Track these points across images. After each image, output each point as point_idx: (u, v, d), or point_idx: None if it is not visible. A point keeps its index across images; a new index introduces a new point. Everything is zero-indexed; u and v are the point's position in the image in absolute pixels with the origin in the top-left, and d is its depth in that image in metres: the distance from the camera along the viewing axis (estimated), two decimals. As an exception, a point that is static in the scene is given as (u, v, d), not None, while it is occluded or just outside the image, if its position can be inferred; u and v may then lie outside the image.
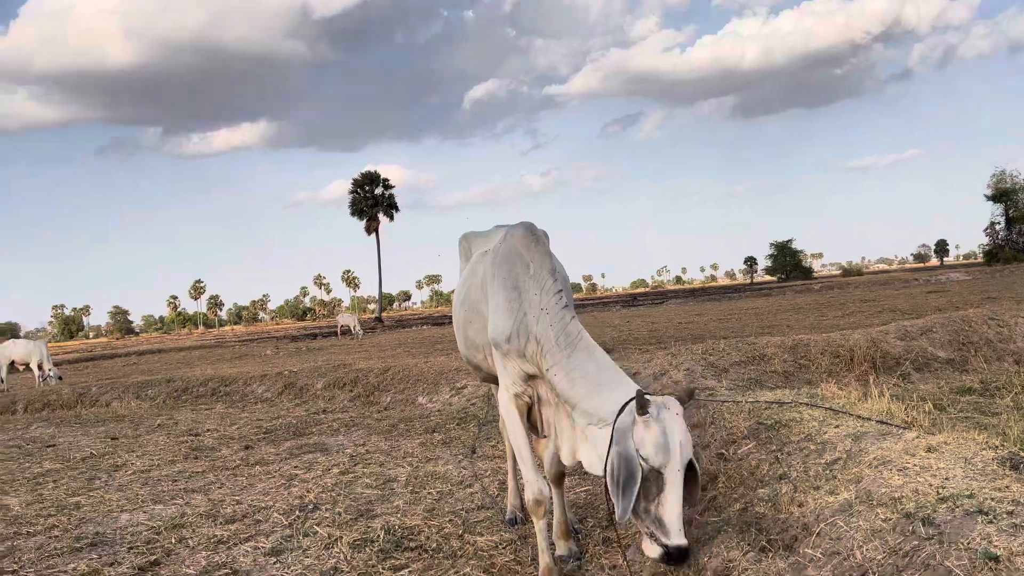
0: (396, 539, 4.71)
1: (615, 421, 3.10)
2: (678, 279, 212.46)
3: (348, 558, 4.41)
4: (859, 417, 4.05)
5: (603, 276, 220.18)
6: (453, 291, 5.25)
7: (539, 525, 3.79)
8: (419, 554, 4.46)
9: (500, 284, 3.75)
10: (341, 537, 4.74)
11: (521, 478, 4.18)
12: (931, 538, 2.43)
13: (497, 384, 4.51)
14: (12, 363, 17.92)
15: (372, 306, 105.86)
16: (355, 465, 7.19)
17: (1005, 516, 2.43)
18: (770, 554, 3.10)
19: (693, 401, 3.28)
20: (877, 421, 3.91)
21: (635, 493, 2.97)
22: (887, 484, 2.94)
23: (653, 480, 3.00)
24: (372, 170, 67.19)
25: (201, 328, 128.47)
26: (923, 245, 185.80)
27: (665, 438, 2.96)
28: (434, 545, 4.58)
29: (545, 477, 4.10)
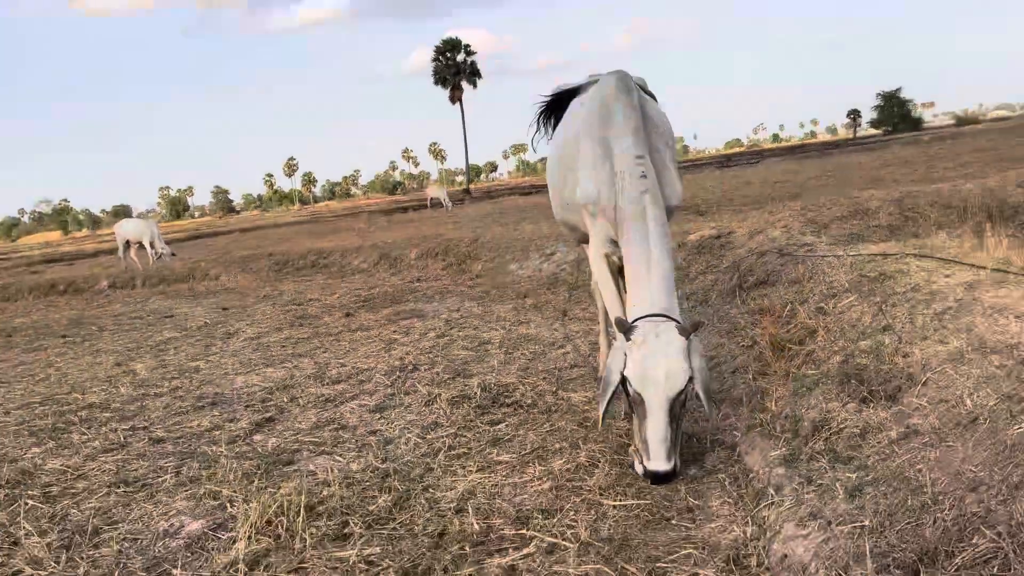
0: (492, 395, 4.86)
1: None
2: (775, 137, 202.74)
3: (448, 413, 4.59)
4: (972, 266, 3.82)
5: (695, 137, 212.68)
6: (544, 159, 5.14)
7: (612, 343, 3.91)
8: (515, 409, 4.60)
9: (588, 140, 3.64)
10: (440, 394, 4.93)
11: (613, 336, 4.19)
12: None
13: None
14: (127, 243, 18.97)
15: (460, 178, 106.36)
16: (450, 329, 7.39)
17: None
18: (871, 405, 3.03)
19: (697, 333, 3.07)
20: (993, 269, 3.67)
21: (606, 404, 3.09)
22: (1003, 331, 2.79)
23: (638, 404, 2.98)
24: (453, 36, 65.64)
25: (297, 205, 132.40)
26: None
27: (643, 367, 2.91)
28: (529, 401, 4.70)
29: None
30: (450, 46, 65.06)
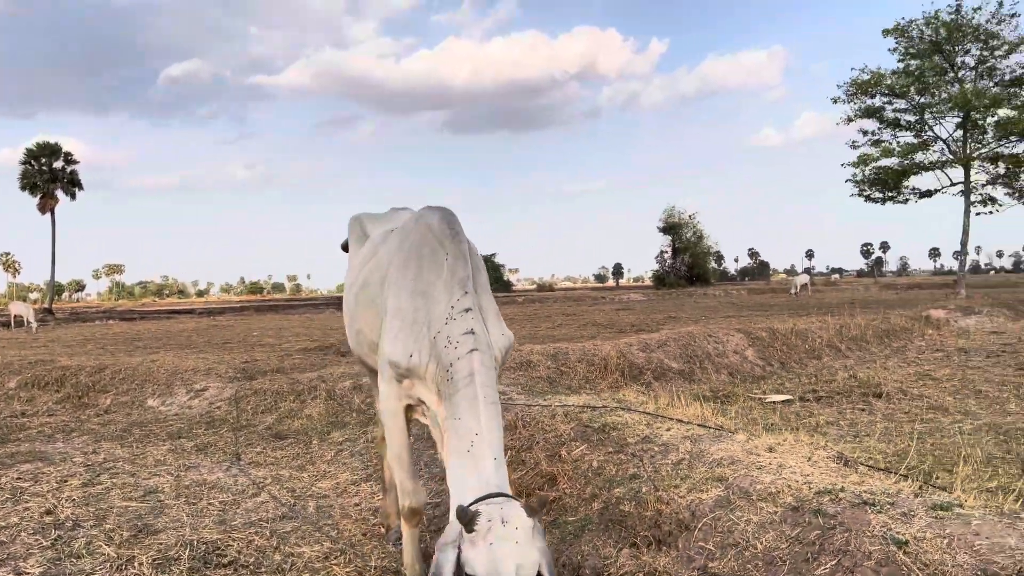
0: (201, 555, 4.16)
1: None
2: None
3: (153, 582, 3.81)
4: (680, 421, 4.42)
5: (308, 277, 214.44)
6: (345, 280, 4.69)
7: (412, 533, 3.57)
8: (235, 570, 4.00)
9: (402, 290, 3.23)
10: (135, 556, 4.09)
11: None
12: (834, 527, 2.75)
13: None
14: None
15: (35, 295, 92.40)
16: (98, 475, 6.22)
17: (888, 506, 2.83)
18: (645, 550, 3.26)
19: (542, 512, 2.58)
20: (699, 425, 4.29)
21: None
22: (758, 480, 3.26)
23: None
24: (50, 140, 58.83)
25: None
26: (603, 267, 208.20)
27: (491, 563, 2.41)
28: (252, 560, 4.12)
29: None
30: (47, 151, 58.10)
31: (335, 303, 59.47)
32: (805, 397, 8.61)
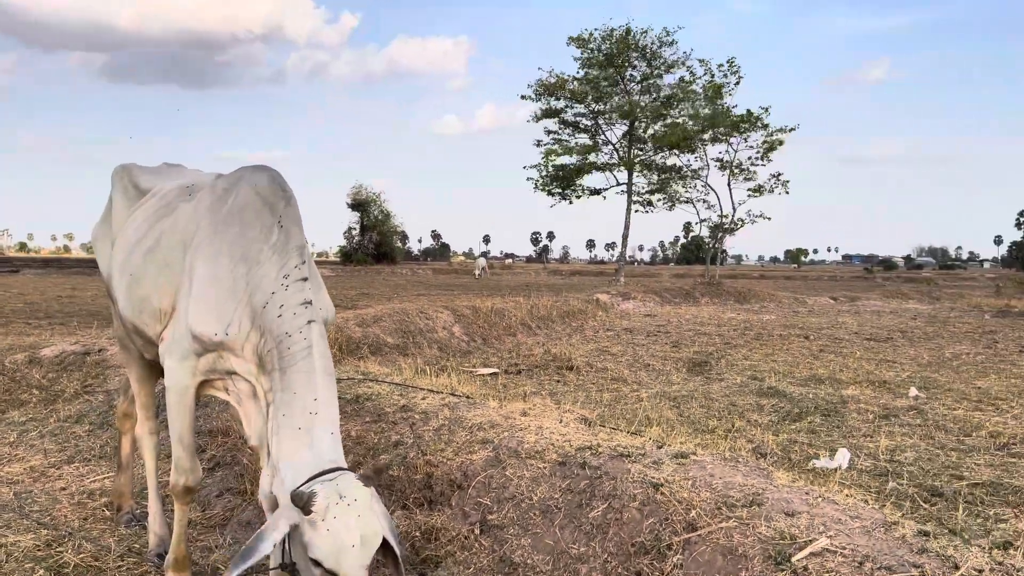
0: None
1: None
2: (23, 246, 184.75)
3: None
4: (431, 391, 4.65)
5: None
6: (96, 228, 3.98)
7: (183, 511, 3.28)
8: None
9: (223, 247, 2.94)
10: None
11: (170, 493, 3.31)
12: (600, 476, 3.15)
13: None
14: None
15: None
16: None
17: (641, 457, 3.30)
18: (417, 511, 3.44)
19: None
20: (450, 394, 4.56)
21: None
22: (524, 441, 3.59)
23: None
24: None
25: None
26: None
27: (335, 540, 2.34)
28: (-49, 557, 3.55)
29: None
30: None
31: (-37, 264, 50.16)
32: (509, 370, 9.35)
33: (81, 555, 3.61)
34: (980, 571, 2.27)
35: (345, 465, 2.58)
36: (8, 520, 4.09)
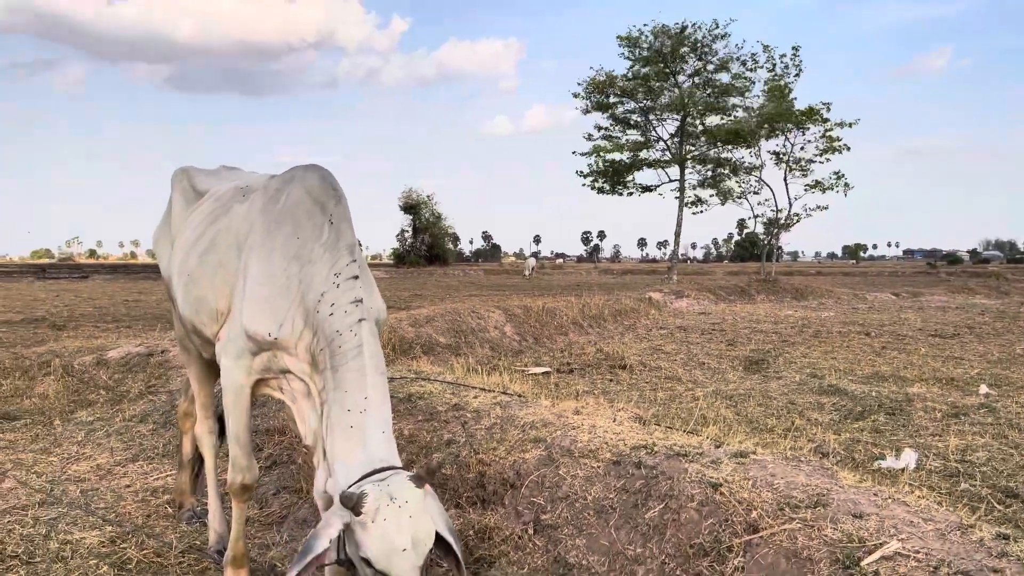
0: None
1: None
2: (92, 252, 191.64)
3: None
4: (483, 389, 4.63)
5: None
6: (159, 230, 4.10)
7: (241, 509, 3.31)
8: (4, 563, 3.52)
9: (276, 246, 2.95)
10: None
11: (228, 492, 3.36)
12: (656, 476, 3.08)
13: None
14: None
15: None
16: None
17: (698, 456, 3.22)
18: (470, 509, 3.41)
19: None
20: (502, 392, 4.53)
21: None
22: (577, 440, 3.54)
23: None
24: None
25: None
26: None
27: (386, 541, 2.31)
28: (22, 550, 3.65)
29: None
30: None
31: (32, 271, 52.35)
32: (561, 369, 9.29)
33: (144, 551, 3.69)
34: (1065, 577, 2.14)
35: (399, 464, 2.55)
36: (75, 517, 4.20)
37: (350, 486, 2.41)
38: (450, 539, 2.48)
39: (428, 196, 69.90)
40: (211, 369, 3.78)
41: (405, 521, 2.33)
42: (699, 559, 2.66)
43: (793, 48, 31.03)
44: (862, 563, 2.34)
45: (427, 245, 68.67)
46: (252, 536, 3.96)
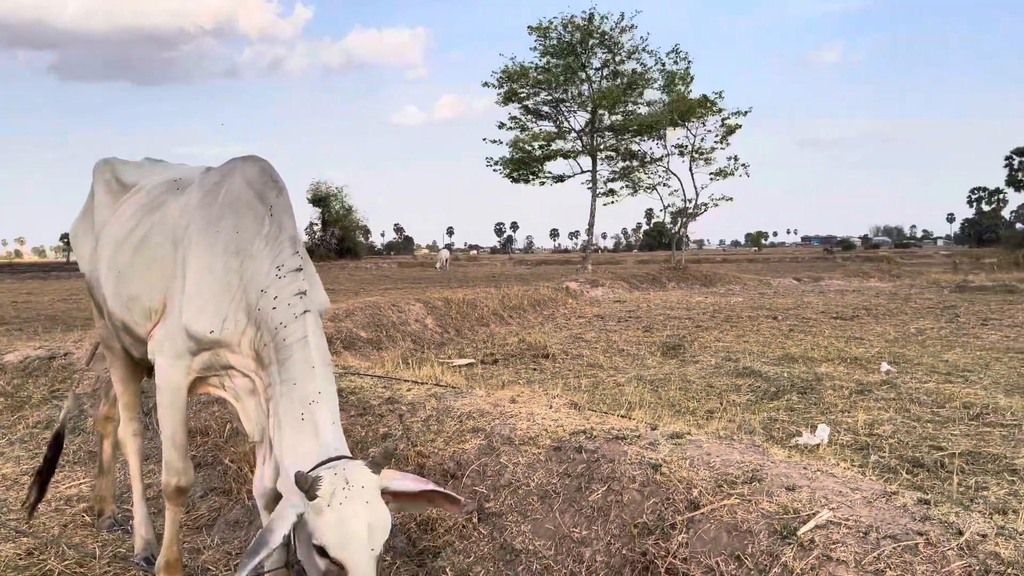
0: None
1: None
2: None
3: None
4: (415, 382, 4.60)
5: None
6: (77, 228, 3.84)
7: (176, 512, 3.18)
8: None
9: (216, 241, 2.85)
10: None
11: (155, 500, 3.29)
12: (598, 460, 3.13)
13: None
14: None
15: None
16: None
17: (636, 439, 3.29)
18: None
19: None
20: (435, 384, 4.52)
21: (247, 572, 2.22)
22: (516, 428, 3.56)
23: (336, 573, 2.29)
24: None
25: None
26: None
27: (342, 528, 2.24)
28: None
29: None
30: None
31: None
32: (485, 360, 9.32)
33: (66, 562, 3.51)
34: (984, 536, 2.30)
35: (348, 454, 2.51)
36: (-16, 530, 3.97)
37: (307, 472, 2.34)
38: (430, 485, 2.49)
39: (339, 188, 68.56)
40: (137, 368, 3.63)
41: (362, 506, 2.27)
42: (644, 537, 2.73)
43: (674, 47, 33.02)
44: (798, 532, 2.46)
45: (338, 238, 67.41)
46: (181, 540, 3.83)
